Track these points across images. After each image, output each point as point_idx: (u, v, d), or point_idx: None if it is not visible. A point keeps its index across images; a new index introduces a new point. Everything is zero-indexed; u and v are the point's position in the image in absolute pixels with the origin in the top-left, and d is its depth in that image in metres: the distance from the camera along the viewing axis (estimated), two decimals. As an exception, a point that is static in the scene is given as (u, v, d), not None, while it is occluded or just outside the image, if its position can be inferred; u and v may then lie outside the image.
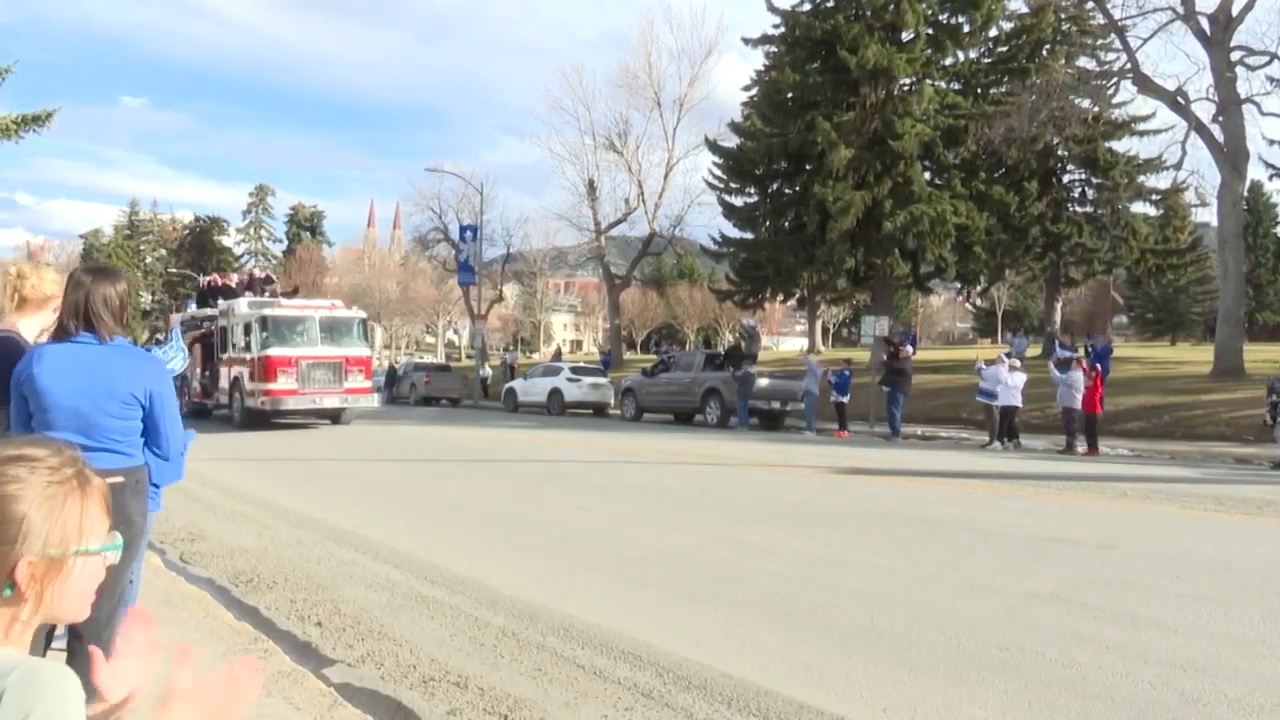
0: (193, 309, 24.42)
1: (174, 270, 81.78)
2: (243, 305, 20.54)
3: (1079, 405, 16.32)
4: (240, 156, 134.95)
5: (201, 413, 22.31)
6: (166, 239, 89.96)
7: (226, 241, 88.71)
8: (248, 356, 19.47)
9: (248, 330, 19.63)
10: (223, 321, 21.18)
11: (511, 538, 8.01)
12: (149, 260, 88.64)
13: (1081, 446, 16.24)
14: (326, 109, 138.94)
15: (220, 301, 22.05)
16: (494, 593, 5.90)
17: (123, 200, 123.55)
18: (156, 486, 3.66)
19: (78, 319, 3.21)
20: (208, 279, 25.92)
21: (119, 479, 3.18)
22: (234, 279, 24.74)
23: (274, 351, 18.92)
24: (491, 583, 6.14)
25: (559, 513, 9.24)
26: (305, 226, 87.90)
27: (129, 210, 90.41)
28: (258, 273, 25.20)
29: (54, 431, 3.14)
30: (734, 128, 36.95)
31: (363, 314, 22.11)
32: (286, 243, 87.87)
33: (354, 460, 13.97)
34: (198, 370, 22.54)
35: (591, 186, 48.06)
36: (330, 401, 19.68)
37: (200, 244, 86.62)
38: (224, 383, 20.90)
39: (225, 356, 20.85)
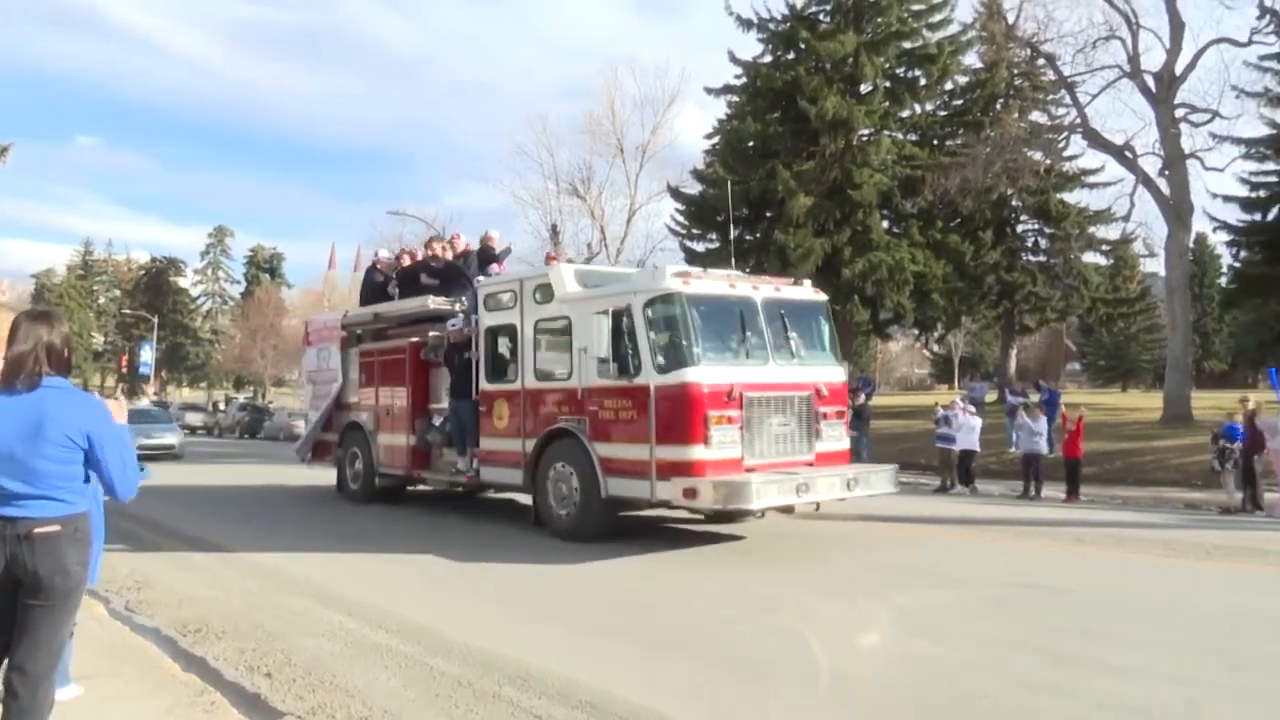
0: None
1: (128, 311, 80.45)
2: (569, 279, 10.51)
3: (1044, 450, 16.33)
4: (199, 197, 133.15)
5: (395, 491, 13.57)
6: (121, 279, 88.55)
7: (183, 283, 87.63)
8: (591, 387, 9.68)
9: (620, 328, 9.36)
10: (498, 316, 11.18)
11: (468, 584, 7.90)
12: (102, 301, 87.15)
13: (1047, 492, 15.80)
14: (289, 150, 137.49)
15: (482, 278, 12.24)
16: (448, 641, 5.82)
17: (77, 240, 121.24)
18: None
19: (19, 366, 3.18)
20: (417, 251, 15.20)
21: (55, 528, 3.12)
22: (493, 238, 13.95)
23: (703, 378, 8.97)
24: (448, 632, 6.05)
25: (515, 557, 9.13)
26: (264, 268, 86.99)
27: (83, 250, 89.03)
28: (496, 238, 14.03)
29: None
30: (696, 175, 37.41)
31: (824, 295, 11.16)
32: (245, 284, 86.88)
33: (313, 503, 13.72)
34: (392, 407, 13.12)
35: (554, 230, 48.24)
36: (819, 489, 9.21)
37: (156, 284, 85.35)
38: (505, 442, 10.89)
39: (515, 386, 10.80)
